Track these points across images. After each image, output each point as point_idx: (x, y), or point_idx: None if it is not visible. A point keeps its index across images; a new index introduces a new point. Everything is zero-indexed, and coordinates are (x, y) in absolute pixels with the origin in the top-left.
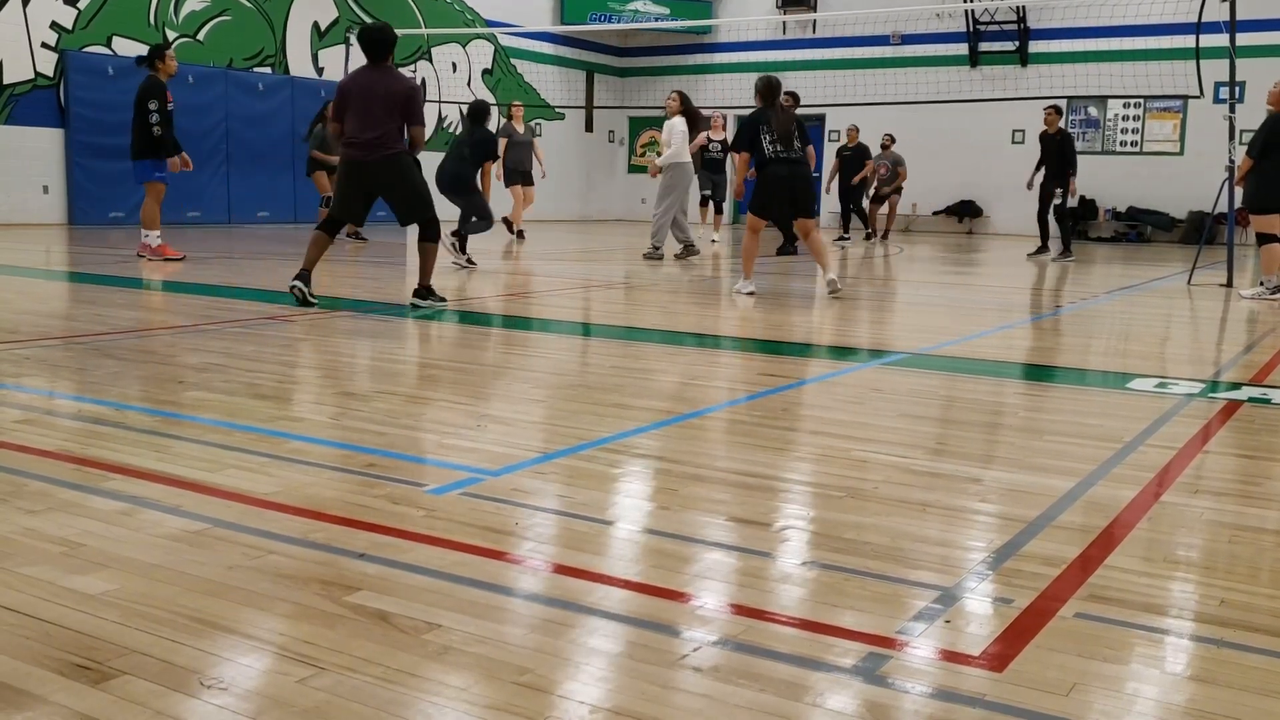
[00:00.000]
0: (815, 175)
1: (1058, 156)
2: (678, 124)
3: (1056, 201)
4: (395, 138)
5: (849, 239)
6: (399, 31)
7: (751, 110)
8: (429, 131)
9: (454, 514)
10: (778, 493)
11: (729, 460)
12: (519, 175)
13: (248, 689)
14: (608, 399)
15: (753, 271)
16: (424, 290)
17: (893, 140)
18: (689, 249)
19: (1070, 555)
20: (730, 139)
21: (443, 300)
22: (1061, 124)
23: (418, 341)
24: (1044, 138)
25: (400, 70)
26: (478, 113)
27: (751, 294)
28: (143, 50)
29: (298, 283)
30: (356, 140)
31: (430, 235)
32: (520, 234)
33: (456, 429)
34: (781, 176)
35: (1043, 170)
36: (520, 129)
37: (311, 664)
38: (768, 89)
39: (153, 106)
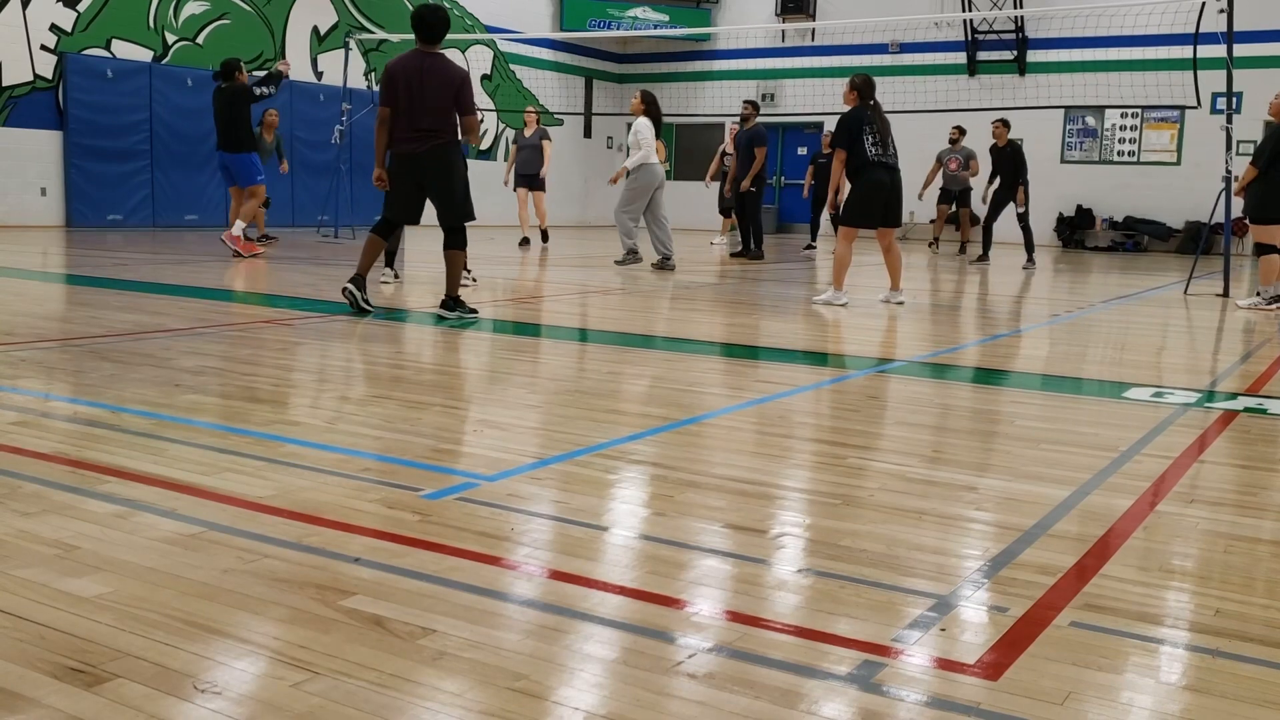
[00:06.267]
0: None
1: (1010, 168)
2: (644, 124)
3: (1020, 210)
4: (448, 128)
5: (815, 247)
6: (396, 36)
7: (850, 110)
8: None
9: (449, 519)
10: (773, 499)
11: (725, 467)
12: (523, 179)
13: (241, 693)
14: (604, 405)
15: (844, 283)
16: (450, 301)
17: (962, 133)
18: (666, 260)
19: (1066, 564)
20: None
21: (473, 312)
22: (1011, 136)
23: (414, 346)
24: (994, 150)
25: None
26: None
27: (844, 305)
28: (145, 55)
29: (350, 286)
30: (408, 133)
31: (454, 243)
32: (525, 241)
33: (453, 434)
34: (883, 183)
35: (997, 181)
36: (528, 133)
37: (305, 668)
38: (866, 85)
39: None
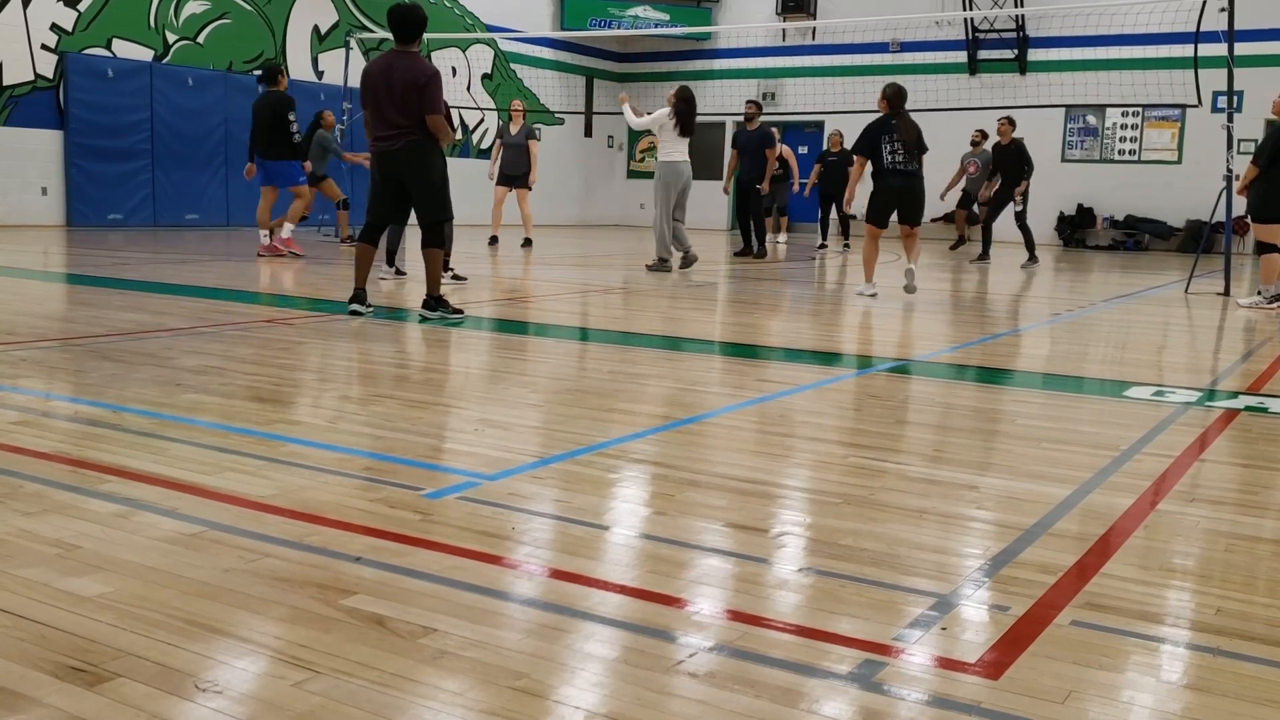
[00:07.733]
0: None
1: (1014, 165)
2: (666, 118)
3: (1018, 209)
4: (417, 126)
5: (827, 246)
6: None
7: (876, 117)
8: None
9: (451, 518)
10: (774, 499)
11: (726, 466)
12: (506, 178)
13: (243, 692)
14: (605, 404)
15: (873, 276)
16: (432, 300)
17: (984, 136)
18: (688, 258)
19: (1067, 563)
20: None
21: (457, 312)
22: (1015, 133)
23: (415, 345)
24: (997, 148)
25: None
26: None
27: (874, 295)
28: (146, 54)
29: (356, 305)
30: (381, 132)
31: (433, 241)
32: (494, 239)
33: (454, 433)
34: (894, 189)
35: (999, 179)
36: (514, 129)
37: (307, 668)
38: (896, 95)
39: (292, 117)
